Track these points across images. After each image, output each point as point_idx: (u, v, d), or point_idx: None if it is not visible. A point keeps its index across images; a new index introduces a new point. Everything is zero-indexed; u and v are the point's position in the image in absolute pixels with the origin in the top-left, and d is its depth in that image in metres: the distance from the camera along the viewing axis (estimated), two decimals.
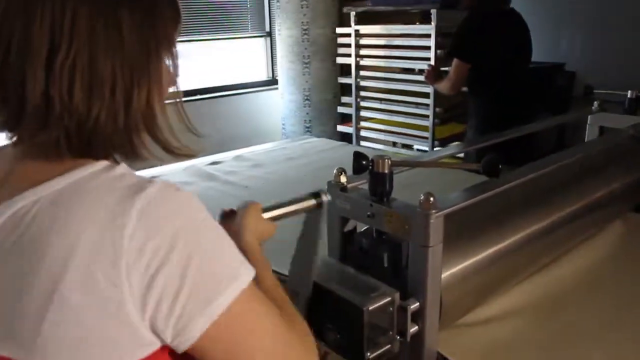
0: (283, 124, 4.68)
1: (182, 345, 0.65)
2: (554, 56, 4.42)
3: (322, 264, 1.20)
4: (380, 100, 4.14)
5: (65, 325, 0.61)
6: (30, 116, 0.64)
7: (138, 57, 0.68)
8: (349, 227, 1.24)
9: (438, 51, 3.51)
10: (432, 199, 1.03)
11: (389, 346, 1.08)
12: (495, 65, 2.77)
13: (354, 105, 4.26)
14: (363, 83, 4.20)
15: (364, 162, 1.12)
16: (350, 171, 1.17)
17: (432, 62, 3.47)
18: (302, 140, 3.09)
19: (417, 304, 1.07)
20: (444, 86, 2.93)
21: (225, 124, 4.74)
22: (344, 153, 2.64)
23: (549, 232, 1.39)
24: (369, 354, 1.05)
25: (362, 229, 1.24)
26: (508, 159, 1.52)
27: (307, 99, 4.43)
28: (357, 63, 4.14)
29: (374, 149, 3.93)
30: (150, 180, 0.66)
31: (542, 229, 1.37)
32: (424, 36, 3.62)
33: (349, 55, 4.18)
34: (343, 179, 1.22)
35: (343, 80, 4.38)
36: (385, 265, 1.14)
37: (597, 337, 1.21)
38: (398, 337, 1.08)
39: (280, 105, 4.69)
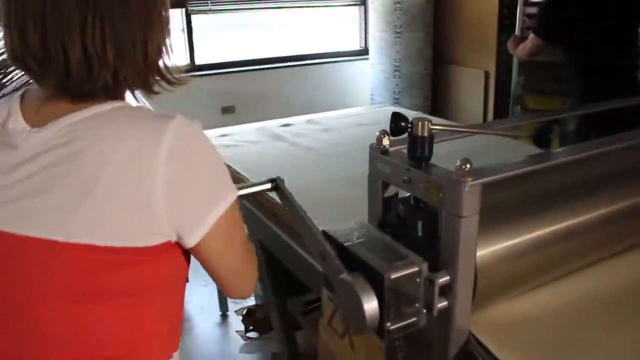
0: (372, 94, 4.61)
1: (194, 238, 0.85)
2: None
3: (357, 227, 1.16)
4: None
5: (97, 210, 0.78)
6: (75, 76, 0.80)
7: (148, 16, 0.84)
8: (389, 192, 1.19)
9: (525, 18, 3.35)
10: (468, 165, 0.95)
11: (414, 319, 1.03)
12: (585, 39, 2.58)
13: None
14: None
15: (402, 124, 1.06)
16: None
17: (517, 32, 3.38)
18: (379, 108, 3.02)
19: (447, 277, 1.01)
20: (519, 50, 2.91)
21: (314, 92, 4.74)
22: None
23: (609, 224, 1.25)
24: (389, 324, 1.00)
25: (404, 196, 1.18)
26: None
27: (396, 70, 4.33)
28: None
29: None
30: (171, 113, 0.84)
31: (600, 218, 1.23)
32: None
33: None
34: (385, 141, 1.16)
35: None
36: (420, 234, 1.08)
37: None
38: (424, 311, 1.02)
39: (370, 75, 4.61)
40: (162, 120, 0.82)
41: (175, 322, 0.99)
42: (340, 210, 1.65)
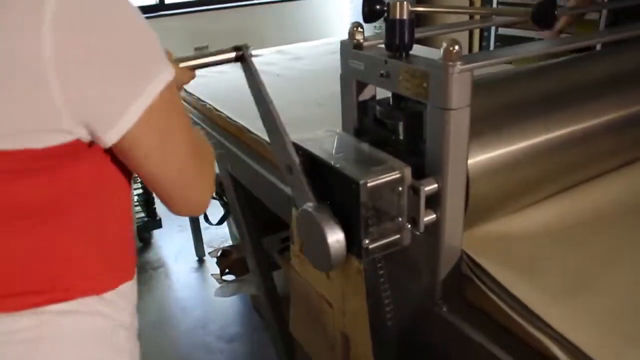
0: None
1: (113, 133, 0.65)
2: None
3: (328, 135, 1.00)
4: None
5: None
6: None
7: None
8: (365, 96, 1.02)
9: None
10: (457, 47, 0.79)
11: (397, 236, 0.88)
12: None
13: None
14: None
15: (377, 7, 0.89)
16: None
17: None
18: None
19: (435, 185, 0.85)
20: None
21: (291, 29, 4.53)
22: None
23: (617, 131, 1.09)
24: (367, 242, 0.85)
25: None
26: None
27: None
28: None
29: None
30: None
31: (608, 125, 1.07)
32: None
33: None
34: (359, 35, 0.99)
35: None
36: (401, 138, 0.92)
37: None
38: (409, 226, 0.87)
39: (350, 9, 4.40)
40: None
41: (117, 246, 0.81)
42: (309, 128, 1.52)
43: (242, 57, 1.02)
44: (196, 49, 4.24)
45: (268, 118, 0.99)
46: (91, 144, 0.67)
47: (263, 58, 2.36)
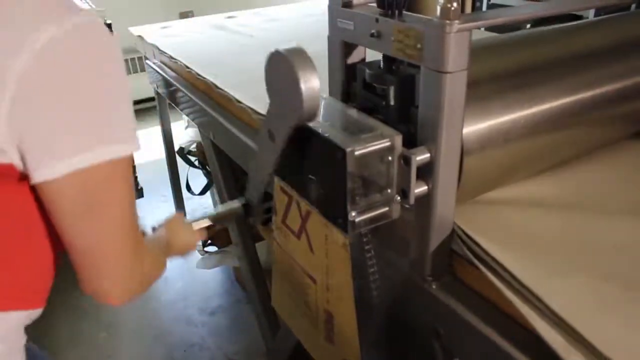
0: None
1: (38, 174, 0.62)
2: None
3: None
4: None
5: None
6: None
7: None
8: (354, 59, 0.95)
9: None
10: (455, 4, 0.72)
11: (385, 209, 0.82)
12: None
13: None
14: None
15: None
16: None
17: None
18: None
19: (427, 155, 0.79)
20: None
21: None
22: None
23: (614, 103, 1.04)
24: (354, 214, 0.79)
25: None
26: None
27: None
28: None
29: None
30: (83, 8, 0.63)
31: (608, 96, 1.02)
32: None
33: None
34: None
35: None
36: (392, 103, 0.86)
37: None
38: (398, 198, 0.81)
39: None
40: (66, 7, 0.61)
41: (26, 275, 0.74)
42: None
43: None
44: (181, 14, 4.13)
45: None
46: (23, 176, 0.64)
47: (237, 19, 2.37)
